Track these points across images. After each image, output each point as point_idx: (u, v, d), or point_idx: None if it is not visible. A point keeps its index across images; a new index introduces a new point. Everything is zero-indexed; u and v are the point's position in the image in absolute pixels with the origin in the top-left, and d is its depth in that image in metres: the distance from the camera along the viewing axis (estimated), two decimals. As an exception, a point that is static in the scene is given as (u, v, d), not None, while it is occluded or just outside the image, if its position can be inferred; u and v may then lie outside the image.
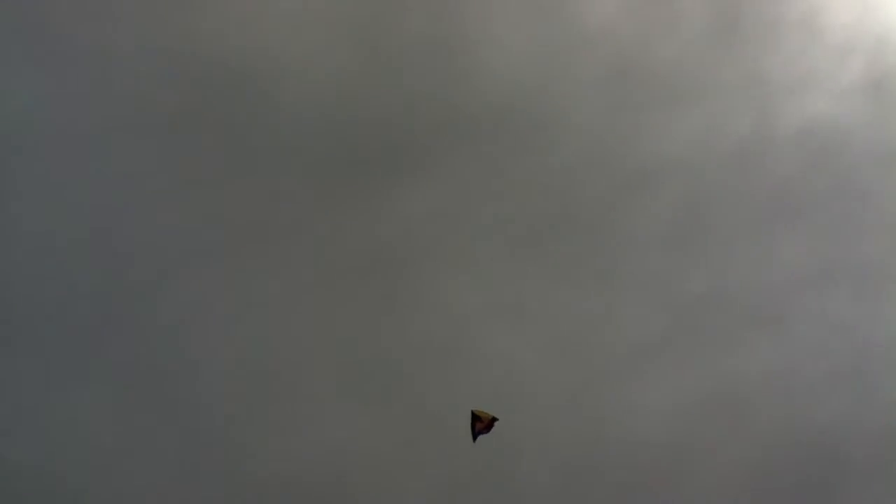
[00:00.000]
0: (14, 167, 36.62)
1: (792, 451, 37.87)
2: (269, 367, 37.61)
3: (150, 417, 36.29)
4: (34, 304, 35.98)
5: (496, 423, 32.47)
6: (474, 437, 32.28)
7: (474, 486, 37.91)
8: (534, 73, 41.03)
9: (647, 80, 41.58)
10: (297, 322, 38.32)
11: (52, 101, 36.49)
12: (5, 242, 35.87)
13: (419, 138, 40.49)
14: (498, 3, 40.50)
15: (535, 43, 40.66)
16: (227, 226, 38.29)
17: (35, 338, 35.76)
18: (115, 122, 37.16)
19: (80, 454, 35.67)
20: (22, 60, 36.75)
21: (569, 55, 40.98)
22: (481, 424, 32.19)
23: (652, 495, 37.63)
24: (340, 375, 38.28)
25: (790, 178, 41.83)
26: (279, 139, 39.17)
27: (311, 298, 38.52)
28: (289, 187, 39.31)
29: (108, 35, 37.99)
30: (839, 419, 38.19)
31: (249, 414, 37.15)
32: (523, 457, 38.38)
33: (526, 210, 41.12)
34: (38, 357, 35.50)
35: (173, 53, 38.29)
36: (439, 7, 40.51)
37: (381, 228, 39.76)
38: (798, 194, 41.65)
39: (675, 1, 41.54)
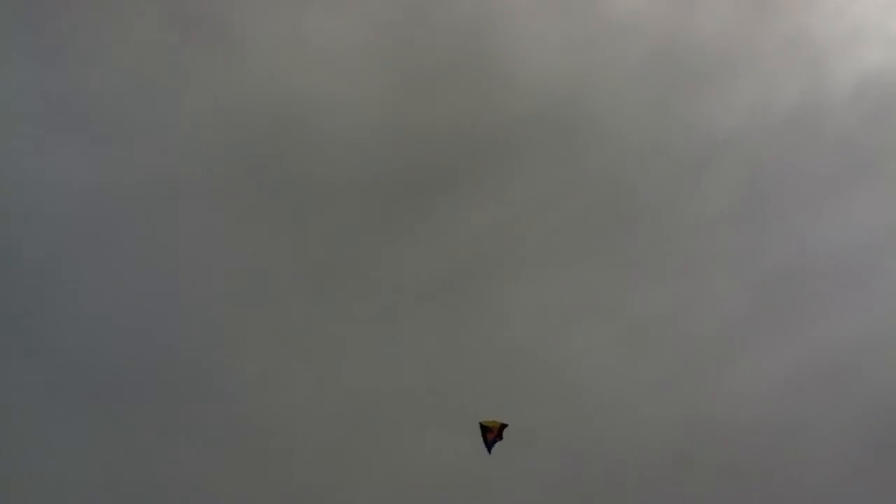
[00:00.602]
0: (79, 240, 37.43)
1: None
2: (355, 397, 37.44)
3: (250, 467, 36.29)
4: (139, 374, 36.49)
5: (505, 428, 31.92)
6: (488, 448, 31.67)
7: (577, 493, 36.96)
8: (574, 72, 40.86)
9: (689, 59, 41.08)
10: (377, 352, 38.19)
11: (99, 173, 37.31)
12: (91, 314, 36.56)
13: (472, 155, 40.52)
14: (523, 8, 40.47)
15: (569, 41, 40.57)
16: (299, 270, 38.55)
17: (141, 407, 36.24)
18: (184, 184, 37.84)
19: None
20: (73, 137, 37.78)
21: (606, 47, 40.76)
22: (492, 434, 31.62)
23: (763, 477, 36.28)
24: (422, 397, 37.95)
25: (852, 134, 40.76)
26: (334, 180, 39.51)
27: (386, 327, 38.42)
28: (351, 224, 39.52)
29: (157, 105, 38.82)
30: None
31: (344, 448, 36.96)
32: (622, 454, 37.32)
33: (589, 208, 40.71)
34: (130, 419, 35.92)
35: (221, 110, 38.96)
36: (469, 24, 40.71)
37: (449, 248, 39.74)
38: (863, 149, 40.51)
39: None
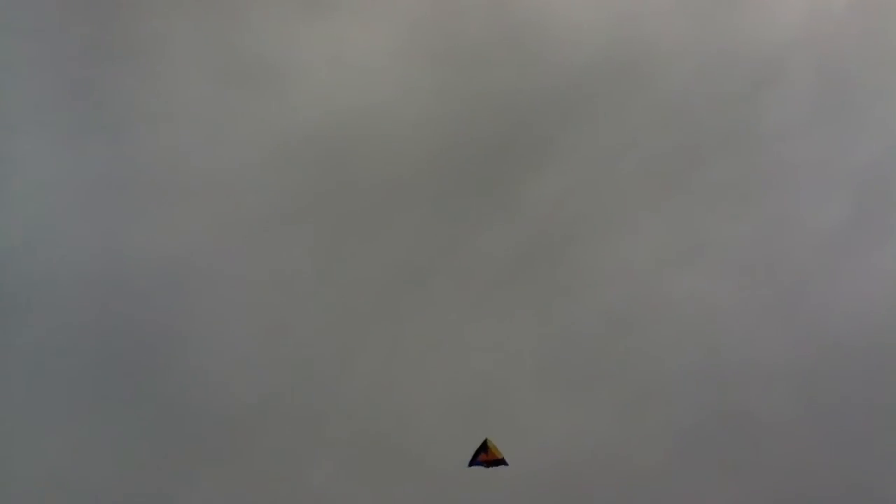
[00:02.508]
0: (193, 285, 39.61)
1: None
2: (470, 384, 38.36)
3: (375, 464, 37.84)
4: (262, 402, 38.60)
5: (500, 465, 31.87)
6: (471, 463, 31.80)
7: (709, 429, 36.98)
8: (614, 11, 39.92)
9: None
10: (484, 336, 38.94)
11: (189, 228, 39.21)
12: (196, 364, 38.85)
13: (533, 122, 40.38)
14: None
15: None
16: (389, 276, 39.62)
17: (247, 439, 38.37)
18: (268, 220, 39.42)
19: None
20: (156, 200, 39.82)
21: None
22: (485, 456, 31.62)
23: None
24: (539, 372, 38.53)
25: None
26: (407, 179, 40.24)
27: (485, 310, 39.08)
28: (433, 217, 40.15)
29: (225, 158, 40.46)
30: None
31: (462, 441, 37.98)
32: (756, 385, 37.01)
33: (659, 149, 40.07)
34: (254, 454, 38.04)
35: (284, 144, 40.27)
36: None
37: (533, 219, 39.81)
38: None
39: None
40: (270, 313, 38.68)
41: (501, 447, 33.53)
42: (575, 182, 40.16)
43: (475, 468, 31.75)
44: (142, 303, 36.53)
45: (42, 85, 37.66)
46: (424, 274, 40.00)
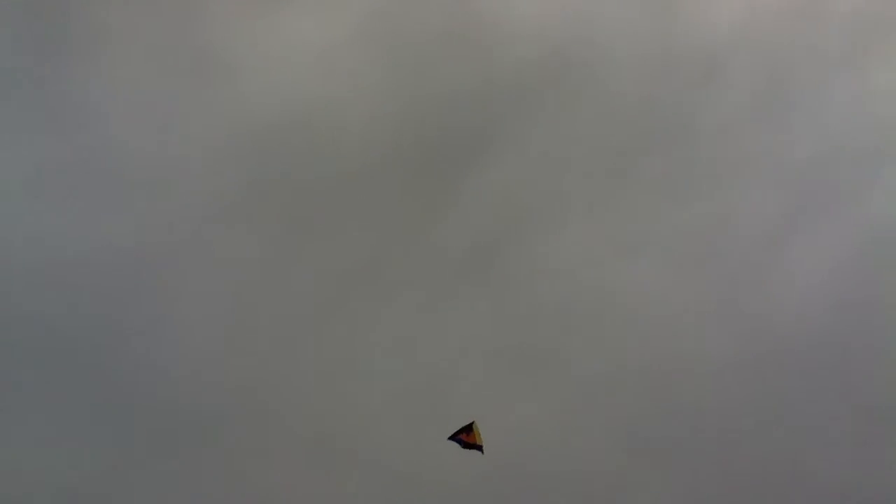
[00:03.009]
0: (129, 282, 38.90)
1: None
2: (420, 381, 38.32)
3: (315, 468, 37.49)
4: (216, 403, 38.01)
5: (474, 450, 32.45)
6: (453, 437, 32.32)
7: (653, 420, 37.39)
8: (564, 8, 40.54)
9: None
10: (435, 326, 38.94)
11: (143, 224, 38.61)
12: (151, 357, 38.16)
13: (484, 115, 40.66)
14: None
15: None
16: (338, 270, 39.45)
17: (203, 434, 37.80)
18: (212, 219, 38.97)
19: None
20: (98, 192, 39.10)
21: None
22: (466, 437, 32.16)
23: (833, 363, 36.35)
24: (490, 361, 38.61)
25: (861, 7, 39.67)
26: (355, 172, 40.18)
27: (438, 301, 39.16)
28: (383, 210, 40.17)
29: (171, 148, 39.94)
30: None
31: (411, 433, 37.93)
32: (698, 377, 37.62)
33: (606, 143, 40.70)
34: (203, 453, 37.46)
35: (231, 137, 39.88)
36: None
37: (483, 212, 40.09)
38: (873, 16, 39.56)
39: None
40: (220, 305, 38.15)
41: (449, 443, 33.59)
42: (523, 175, 40.67)
43: (452, 443, 31.98)
44: (88, 294, 35.75)
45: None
46: (377, 266, 40.08)
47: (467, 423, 31.92)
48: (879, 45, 38.83)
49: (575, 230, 39.58)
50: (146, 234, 36.73)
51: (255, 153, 38.35)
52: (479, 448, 31.63)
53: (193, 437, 34.91)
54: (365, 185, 40.30)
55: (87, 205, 36.36)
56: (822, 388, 36.55)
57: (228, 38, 38.22)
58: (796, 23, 39.55)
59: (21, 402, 33.70)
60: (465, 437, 31.69)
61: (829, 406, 36.60)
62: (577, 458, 36.92)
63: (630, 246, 39.39)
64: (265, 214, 38.65)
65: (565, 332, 38.04)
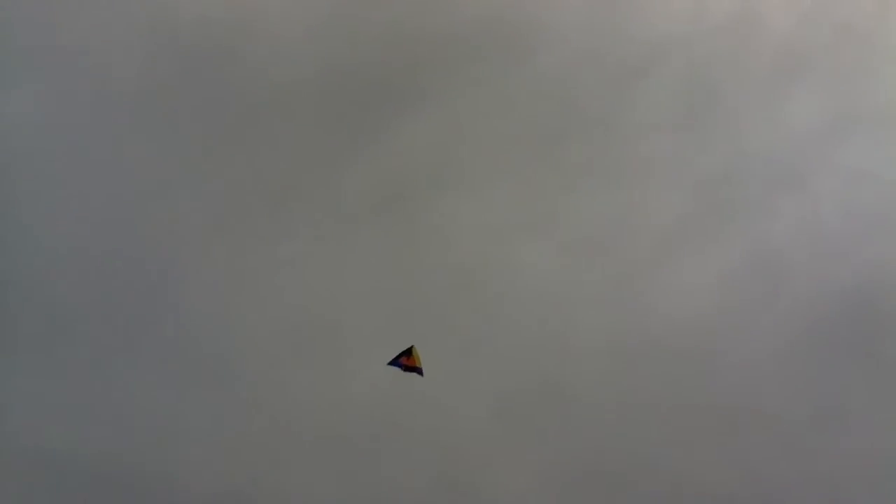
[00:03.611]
0: (19, 171, 37.94)
1: (831, 303, 37.47)
2: (309, 319, 38.35)
3: (206, 388, 37.37)
4: (68, 300, 37.35)
5: (412, 372, 33.30)
6: (393, 363, 33.09)
7: (527, 397, 38.25)
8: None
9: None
10: (327, 270, 38.99)
11: (42, 103, 37.59)
12: (28, 246, 37.28)
13: (408, 72, 40.68)
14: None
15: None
16: (241, 192, 39.10)
17: (72, 332, 37.18)
18: (112, 114, 38.15)
19: (131, 431, 37.02)
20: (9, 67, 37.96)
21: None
22: (406, 361, 32.93)
23: (698, 372, 37.62)
24: (378, 312, 38.86)
25: (790, 33, 40.97)
26: (275, 99, 39.77)
27: (335, 245, 39.16)
28: (295, 144, 39.90)
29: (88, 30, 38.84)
30: (873, 265, 37.61)
31: (298, 367, 38.01)
32: (572, 356, 38.54)
33: (529, 119, 41.12)
34: (78, 351, 36.92)
35: (156, 32, 39.01)
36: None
37: (390, 165, 40.15)
38: (800, 49, 40.88)
39: None
40: (105, 204, 37.47)
41: (325, 382, 33.83)
42: (444, 136, 40.89)
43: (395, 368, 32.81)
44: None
45: None
46: (281, 195, 39.68)
47: (407, 353, 32.27)
48: (804, 72, 40.05)
49: (484, 199, 40.06)
50: (47, 108, 35.64)
51: (176, 52, 37.49)
52: (419, 371, 32.13)
53: (61, 336, 34.28)
54: (285, 111, 39.89)
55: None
56: (684, 389, 37.50)
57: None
58: (730, 39, 40.53)
59: None
60: (406, 361, 32.42)
61: (690, 405, 37.56)
62: (449, 423, 37.37)
63: (534, 224, 40.02)
64: (176, 118, 37.90)
65: (456, 296, 38.43)
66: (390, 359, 34.62)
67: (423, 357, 36.05)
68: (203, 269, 38.66)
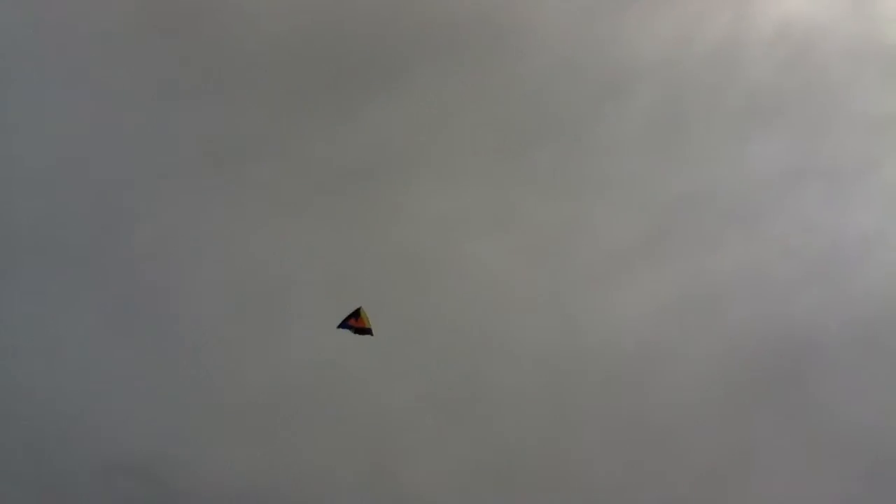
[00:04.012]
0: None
1: (762, 345, 38.61)
2: (254, 284, 38.70)
3: (141, 341, 37.66)
4: (20, 232, 37.37)
5: (363, 334, 34.09)
6: (343, 325, 33.84)
7: (458, 389, 38.95)
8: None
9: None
10: (278, 239, 39.31)
11: (18, 29, 37.40)
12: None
13: (392, 53, 40.90)
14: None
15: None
16: (203, 147, 39.26)
17: (23, 264, 37.25)
18: (88, 50, 38.04)
19: (75, 372, 37.28)
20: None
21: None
22: (355, 322, 33.70)
23: (627, 390, 38.56)
24: (323, 288, 39.29)
25: (765, 78, 41.80)
26: (252, 57, 39.83)
27: (290, 215, 39.47)
28: (264, 105, 40.04)
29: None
30: (808, 314, 38.89)
31: (237, 331, 38.38)
32: (503, 360, 39.27)
33: (502, 119, 41.60)
34: (29, 283, 37.01)
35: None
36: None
37: (358, 143, 40.47)
38: (773, 94, 41.66)
39: None
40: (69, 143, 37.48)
41: (260, 346, 34.35)
42: (420, 122, 41.20)
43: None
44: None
45: None
46: (246, 154, 39.86)
47: (355, 314, 32.77)
48: (772, 118, 40.97)
49: (447, 190, 40.61)
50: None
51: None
52: (369, 331, 32.75)
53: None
54: (268, 71, 40.02)
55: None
56: (605, 403, 38.44)
57: None
58: (708, 73, 41.22)
59: None
60: (354, 323, 33.13)
61: (607, 417, 38.50)
62: (374, 398, 38.00)
63: (490, 223, 40.62)
64: (156, 61, 37.88)
65: (401, 281, 38.95)
66: (328, 330, 35.15)
67: (362, 338, 36.56)
68: (156, 216, 38.74)
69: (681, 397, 39.37)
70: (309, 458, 37.30)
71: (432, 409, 38.85)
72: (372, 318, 36.87)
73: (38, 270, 37.18)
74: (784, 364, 39.31)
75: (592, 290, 40.63)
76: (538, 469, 38.29)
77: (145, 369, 37.38)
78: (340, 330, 37.49)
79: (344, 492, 37.56)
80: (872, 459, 37.67)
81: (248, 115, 39.79)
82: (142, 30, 38.61)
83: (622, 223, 41.25)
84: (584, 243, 41.07)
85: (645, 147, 41.59)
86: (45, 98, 37.70)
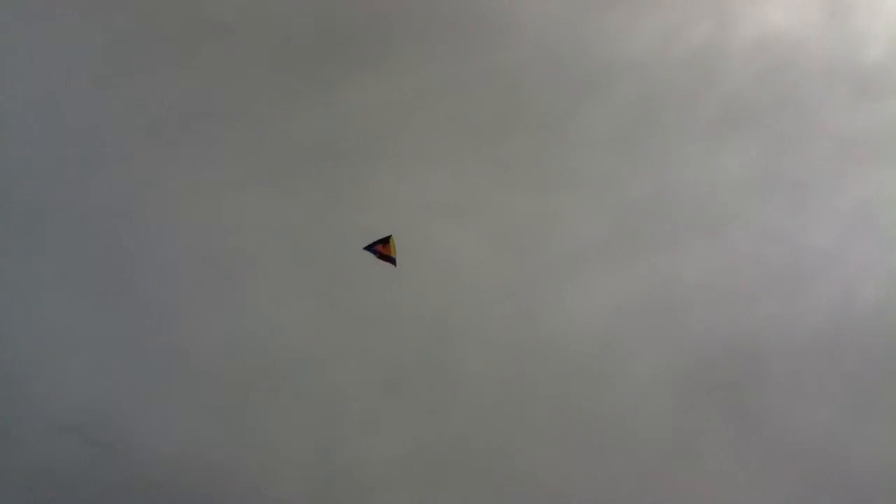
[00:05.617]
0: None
1: (716, 351, 39.10)
2: (214, 252, 38.53)
3: (94, 300, 37.37)
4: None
5: (386, 262, 33.92)
6: (369, 248, 33.62)
7: (414, 373, 39.13)
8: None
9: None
10: (243, 209, 39.18)
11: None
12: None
13: (372, 32, 40.80)
14: None
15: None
16: (172, 110, 38.92)
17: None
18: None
19: (25, 335, 36.88)
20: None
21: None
22: (381, 248, 33.47)
23: (580, 387, 38.97)
24: (285, 264, 39.26)
25: (740, 88, 42.23)
26: (229, 24, 39.53)
27: (257, 186, 39.32)
28: (238, 72, 39.78)
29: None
30: (763, 324, 39.40)
31: (194, 298, 38.23)
32: (461, 346, 39.51)
33: (476, 108, 41.64)
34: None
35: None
36: None
37: (331, 119, 40.37)
38: (746, 105, 42.11)
39: None
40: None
41: (217, 315, 34.23)
42: (396, 103, 41.16)
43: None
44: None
45: None
46: (220, 119, 39.64)
47: (386, 235, 32.49)
48: (745, 126, 41.49)
49: (417, 174, 40.66)
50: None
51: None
52: (393, 261, 32.45)
53: None
54: (248, 38, 39.73)
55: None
56: (560, 393, 38.90)
57: None
58: (685, 76, 41.65)
59: None
60: (381, 249, 32.73)
61: (561, 406, 38.96)
62: (331, 378, 38.08)
63: (458, 210, 40.76)
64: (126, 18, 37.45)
65: (364, 261, 38.89)
66: (288, 306, 34.99)
67: (322, 315, 36.47)
68: (119, 172, 38.40)
69: (633, 396, 39.83)
70: (261, 432, 37.31)
71: (389, 390, 38.97)
72: (332, 292, 36.70)
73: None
74: (736, 371, 39.95)
75: (555, 283, 40.95)
76: (487, 456, 38.57)
77: (97, 329, 37.09)
78: (300, 307, 37.38)
79: (292, 466, 37.56)
80: (817, 468, 38.41)
81: (224, 82, 39.43)
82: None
83: (589, 219, 41.59)
84: (550, 236, 41.39)
85: (617, 146, 41.92)
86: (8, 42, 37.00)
